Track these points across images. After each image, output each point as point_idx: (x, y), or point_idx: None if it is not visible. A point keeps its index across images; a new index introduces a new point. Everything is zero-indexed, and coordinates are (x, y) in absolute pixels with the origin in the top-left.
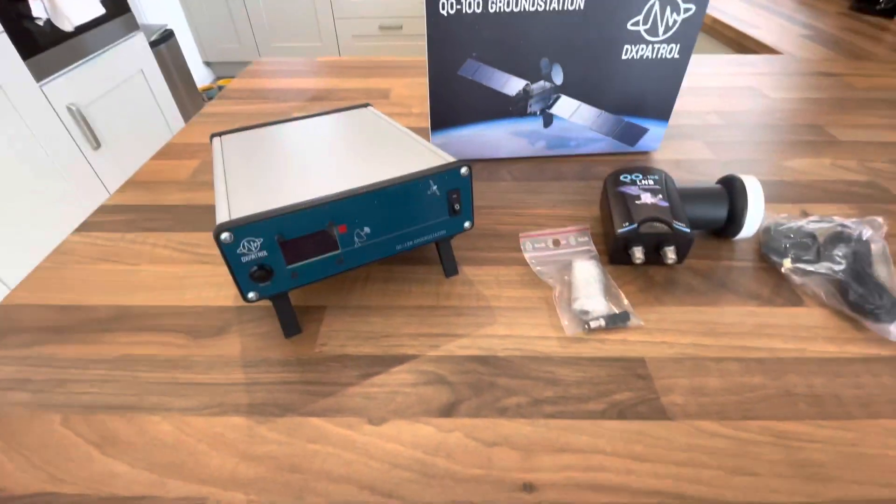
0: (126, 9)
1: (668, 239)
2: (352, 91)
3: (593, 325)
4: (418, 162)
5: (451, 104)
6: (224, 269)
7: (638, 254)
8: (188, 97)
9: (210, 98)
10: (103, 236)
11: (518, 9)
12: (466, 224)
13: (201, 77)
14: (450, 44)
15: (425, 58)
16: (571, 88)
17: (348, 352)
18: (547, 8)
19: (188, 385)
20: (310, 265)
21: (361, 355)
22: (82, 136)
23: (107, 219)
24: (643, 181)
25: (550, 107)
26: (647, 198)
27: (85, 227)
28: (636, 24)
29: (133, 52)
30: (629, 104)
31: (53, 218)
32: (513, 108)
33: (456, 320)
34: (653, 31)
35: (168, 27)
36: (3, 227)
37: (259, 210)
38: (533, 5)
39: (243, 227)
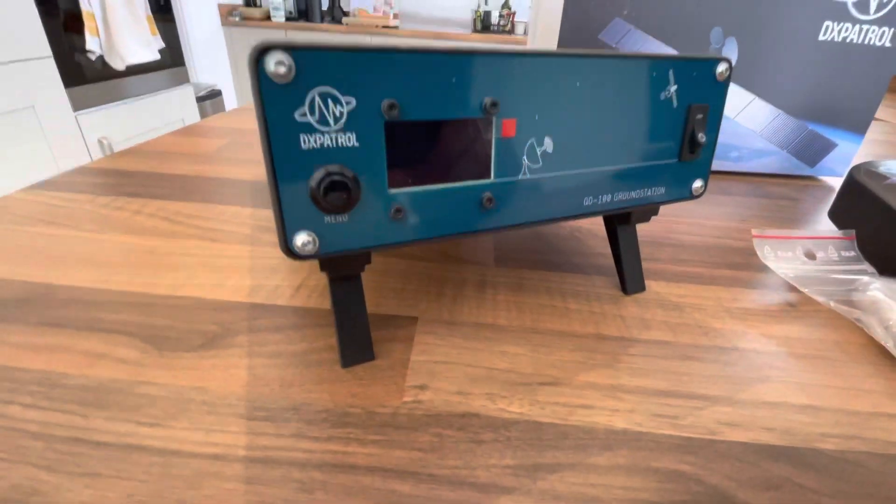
0: (181, 62)
1: None
2: None
3: None
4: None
5: None
6: (240, 250)
7: None
8: None
9: None
10: (63, 196)
11: None
12: (697, 184)
13: None
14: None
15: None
16: (745, 74)
17: (476, 407)
18: None
19: (117, 449)
20: (431, 197)
21: (508, 419)
22: None
23: (79, 179)
24: None
25: None
26: None
27: (44, 185)
28: None
29: (178, 102)
30: (817, 105)
31: None
32: None
33: (682, 368)
34: (863, 6)
35: (217, 87)
36: None
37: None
38: None
39: (322, 59)
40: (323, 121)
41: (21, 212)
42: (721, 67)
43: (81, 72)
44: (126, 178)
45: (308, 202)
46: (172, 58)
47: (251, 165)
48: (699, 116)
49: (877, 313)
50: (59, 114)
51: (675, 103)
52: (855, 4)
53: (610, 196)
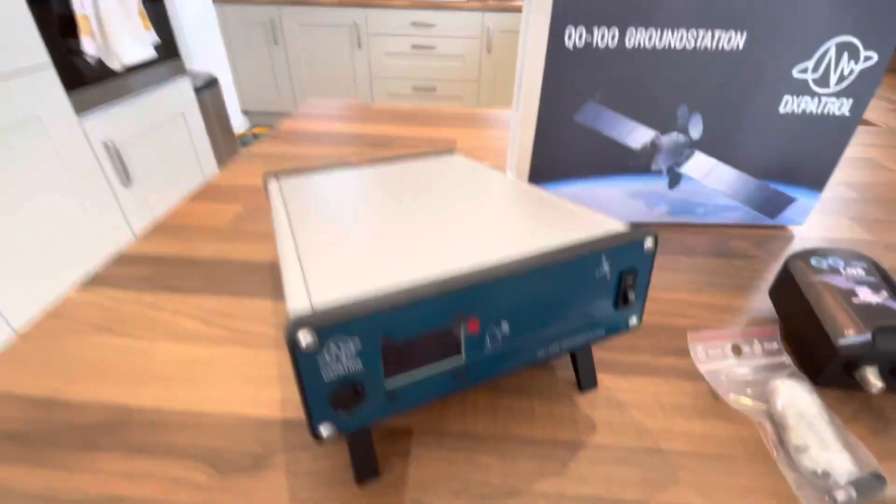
0: (176, 54)
1: None
2: (414, 139)
3: (840, 498)
4: (570, 226)
5: (558, 155)
6: (268, 357)
7: (873, 378)
8: (224, 142)
9: (245, 144)
10: (114, 296)
11: (662, 45)
12: (633, 321)
13: (238, 124)
14: (569, 83)
15: (489, 109)
16: (710, 144)
17: None
18: (697, 46)
19: None
20: (418, 383)
21: None
22: (114, 172)
23: (123, 272)
24: (848, 269)
25: (681, 164)
26: (866, 294)
27: (96, 280)
28: (804, 70)
29: (177, 96)
30: (778, 167)
31: (72, 251)
32: (633, 163)
33: (615, 473)
34: (823, 81)
35: (214, 75)
36: (18, 257)
37: (356, 295)
38: (681, 41)
39: (336, 325)
40: (337, 359)
41: (83, 318)
42: (648, 244)
43: (80, 75)
44: (162, 267)
45: (328, 405)
46: (167, 50)
47: (265, 241)
48: (630, 280)
49: (772, 418)
50: (64, 120)
51: (608, 276)
52: (815, 81)
53: (559, 346)
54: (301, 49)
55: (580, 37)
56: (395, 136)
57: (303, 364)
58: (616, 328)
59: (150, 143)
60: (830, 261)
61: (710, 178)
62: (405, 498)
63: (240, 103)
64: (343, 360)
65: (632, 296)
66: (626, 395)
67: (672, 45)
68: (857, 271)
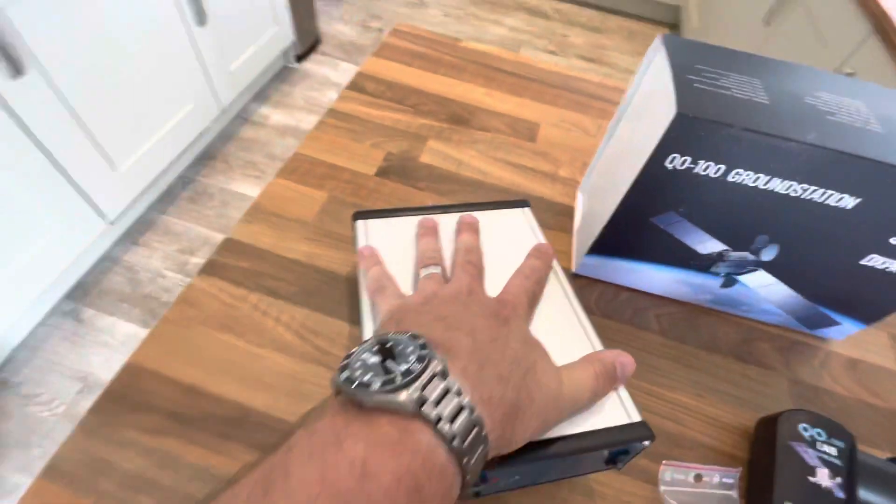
0: None
1: None
2: (498, 117)
3: None
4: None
5: (626, 240)
6: None
7: None
8: None
9: None
10: (228, 290)
11: (767, 187)
12: (618, 467)
13: None
14: (657, 195)
15: (584, 75)
16: (776, 268)
17: None
18: (803, 196)
19: None
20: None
21: None
22: (191, 11)
23: (233, 262)
24: (823, 446)
25: (740, 275)
26: (823, 477)
27: (211, 268)
28: None
29: None
30: (836, 300)
31: (150, 90)
32: (694, 262)
33: None
34: None
35: None
36: (99, 97)
37: None
38: (787, 189)
39: None
40: None
41: (208, 310)
42: (646, 443)
43: None
44: (263, 263)
45: None
46: None
47: (342, 248)
48: (623, 456)
49: None
50: None
51: (606, 453)
52: None
53: (553, 478)
54: None
55: (682, 163)
56: (476, 108)
57: None
58: (602, 470)
59: None
60: (815, 432)
61: (765, 291)
62: None
63: None
64: None
65: (620, 466)
66: (598, 486)
67: (775, 190)
68: (832, 451)
